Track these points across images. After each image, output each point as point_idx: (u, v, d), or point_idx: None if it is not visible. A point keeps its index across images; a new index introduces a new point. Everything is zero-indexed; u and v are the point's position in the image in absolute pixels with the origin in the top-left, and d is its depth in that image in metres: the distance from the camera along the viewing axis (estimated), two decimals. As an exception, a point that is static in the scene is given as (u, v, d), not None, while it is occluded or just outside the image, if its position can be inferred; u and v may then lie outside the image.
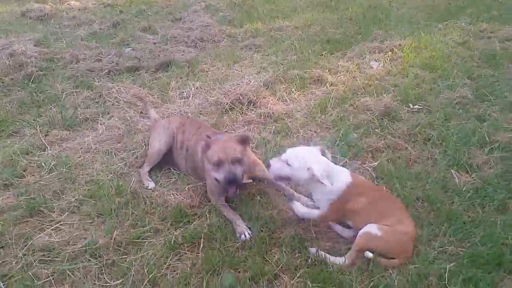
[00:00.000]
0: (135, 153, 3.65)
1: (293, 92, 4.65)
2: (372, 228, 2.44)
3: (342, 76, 4.99)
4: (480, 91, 4.42)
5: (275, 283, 2.42)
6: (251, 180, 3.15)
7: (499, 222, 2.71)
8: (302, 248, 2.61)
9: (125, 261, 2.58)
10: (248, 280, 2.40)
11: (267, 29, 6.79)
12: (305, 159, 2.53)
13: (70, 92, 4.79)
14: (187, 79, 5.06)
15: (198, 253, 2.63)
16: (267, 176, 3.16)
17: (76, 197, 3.13)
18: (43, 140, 3.87)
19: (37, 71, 5.18)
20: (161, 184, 3.32)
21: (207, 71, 5.28)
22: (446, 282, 2.32)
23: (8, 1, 9.16)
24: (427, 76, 4.85)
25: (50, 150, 3.74)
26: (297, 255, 2.58)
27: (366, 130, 3.86)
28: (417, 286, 2.32)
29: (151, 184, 3.27)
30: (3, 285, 2.43)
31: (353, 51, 5.65)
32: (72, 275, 2.50)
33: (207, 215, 2.93)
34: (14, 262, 2.58)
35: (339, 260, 2.48)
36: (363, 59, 5.39)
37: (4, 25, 7.45)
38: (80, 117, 4.25)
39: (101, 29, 7.04)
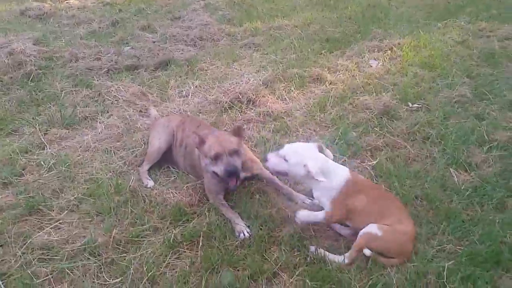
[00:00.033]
0: (134, 151, 3.65)
1: (292, 90, 4.65)
2: (373, 228, 2.44)
3: (341, 75, 4.99)
4: (479, 90, 4.43)
5: (274, 281, 2.43)
6: (249, 174, 3.15)
7: (497, 221, 2.72)
8: (301, 247, 2.61)
9: (124, 259, 2.59)
10: (247, 278, 2.40)
11: (267, 28, 6.78)
12: (302, 155, 2.55)
13: (69, 90, 4.79)
14: (186, 78, 5.06)
15: (197, 252, 2.63)
16: (265, 174, 3.17)
17: (75, 196, 3.13)
18: (42, 139, 3.87)
19: (36, 69, 5.17)
20: (160, 182, 3.33)
21: (206, 70, 5.28)
22: (445, 280, 2.32)
23: (7, 0, 9.13)
24: (426, 75, 4.85)
25: (49, 148, 3.74)
26: (296, 253, 2.58)
27: (365, 128, 3.86)
28: (416, 284, 2.32)
29: (150, 183, 3.27)
30: (2, 283, 2.43)
31: (352, 50, 5.65)
32: (71, 274, 2.50)
33: (206, 214, 2.93)
34: (13, 261, 2.58)
35: (338, 258, 2.48)
36: (362, 58, 5.39)
37: (3, 23, 7.43)
38: (79, 116, 4.25)
39: (100, 27, 7.03)
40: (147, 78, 5.08)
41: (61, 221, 2.90)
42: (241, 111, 4.27)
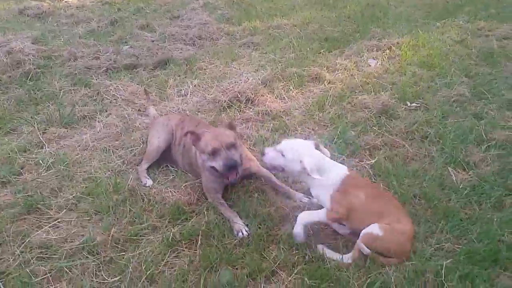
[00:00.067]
0: (133, 150, 3.65)
1: (291, 90, 4.65)
2: (374, 229, 2.43)
3: (340, 74, 5.00)
4: (478, 89, 4.43)
5: (273, 280, 2.43)
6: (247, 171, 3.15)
7: (495, 219, 2.72)
8: (300, 245, 2.61)
9: (123, 258, 2.58)
10: (245, 277, 2.41)
11: (265, 27, 6.79)
12: (299, 152, 2.57)
13: (68, 89, 4.79)
14: (185, 77, 5.06)
15: (196, 250, 2.63)
16: (262, 172, 3.17)
17: (73, 195, 3.12)
18: (41, 138, 3.87)
19: (34, 68, 5.16)
20: (159, 181, 3.33)
21: (205, 69, 5.28)
22: (443, 279, 2.32)
23: (5, -1, 9.12)
24: (424, 74, 4.86)
25: (47, 147, 3.74)
26: (294, 252, 2.58)
27: (363, 127, 3.87)
28: (414, 282, 2.32)
29: (149, 182, 3.27)
30: (1, 282, 2.43)
31: (351, 49, 5.66)
32: (69, 272, 2.50)
33: (205, 212, 2.93)
34: (11, 260, 2.58)
35: (337, 256, 2.49)
36: (361, 57, 5.39)
37: (1, 22, 7.42)
38: (78, 115, 4.25)
39: (99, 27, 7.03)
40: (146, 77, 5.08)
41: (59, 220, 2.90)
42: (240, 110, 4.27)
